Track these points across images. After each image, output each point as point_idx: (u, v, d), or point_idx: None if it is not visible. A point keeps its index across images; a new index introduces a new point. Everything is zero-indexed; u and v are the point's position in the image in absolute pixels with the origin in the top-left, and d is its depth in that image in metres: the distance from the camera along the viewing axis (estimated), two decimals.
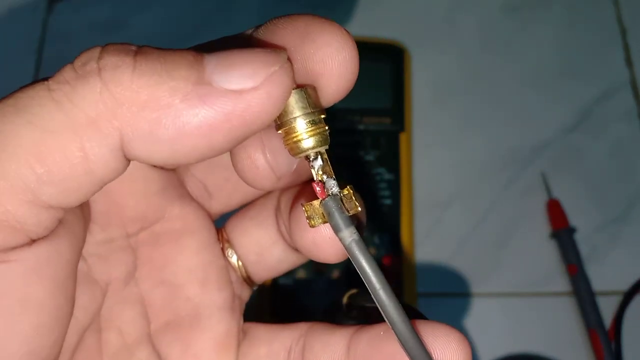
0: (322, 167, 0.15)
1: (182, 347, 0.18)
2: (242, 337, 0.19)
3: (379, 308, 0.15)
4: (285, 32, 0.14)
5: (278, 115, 0.14)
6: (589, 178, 0.42)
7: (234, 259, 0.20)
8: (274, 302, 0.37)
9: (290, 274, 0.37)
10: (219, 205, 0.20)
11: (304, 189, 0.18)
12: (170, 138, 0.13)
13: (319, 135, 0.15)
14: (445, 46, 0.46)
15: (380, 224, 0.39)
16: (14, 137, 0.12)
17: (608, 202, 0.41)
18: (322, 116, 0.15)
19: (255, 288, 0.21)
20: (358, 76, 0.15)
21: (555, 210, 0.40)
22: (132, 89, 0.12)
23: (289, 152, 0.15)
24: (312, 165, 0.15)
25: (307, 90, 0.14)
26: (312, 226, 0.15)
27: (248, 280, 0.20)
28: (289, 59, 0.13)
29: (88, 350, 0.17)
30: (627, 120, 0.44)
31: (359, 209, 0.15)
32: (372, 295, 0.15)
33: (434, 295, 0.39)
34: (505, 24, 0.47)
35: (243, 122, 0.13)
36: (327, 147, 0.15)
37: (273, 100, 0.13)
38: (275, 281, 0.37)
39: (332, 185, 0.15)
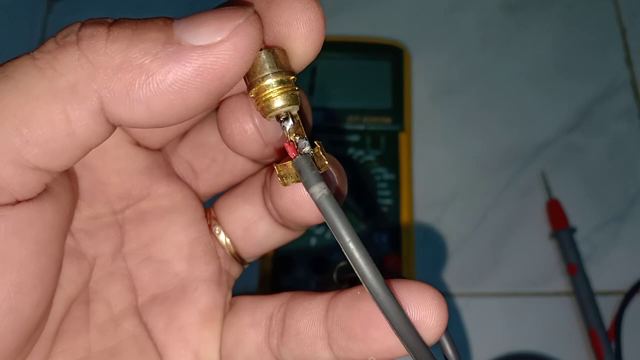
0: (294, 127, 0.15)
1: (168, 319, 0.19)
2: (228, 310, 0.20)
3: (350, 262, 0.15)
4: None
5: (248, 74, 0.15)
6: (589, 177, 0.42)
7: (221, 236, 0.20)
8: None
9: (289, 272, 0.37)
10: (205, 186, 0.21)
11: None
12: (146, 97, 0.13)
13: (288, 94, 0.15)
14: (445, 45, 0.46)
15: (381, 224, 0.39)
16: (0, 102, 0.13)
17: (608, 201, 0.41)
18: (292, 77, 0.15)
19: (246, 266, 0.21)
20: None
21: (555, 211, 0.40)
22: (107, 53, 0.13)
23: (261, 113, 0.15)
24: (283, 126, 0.15)
25: (275, 51, 0.15)
26: (285, 184, 0.16)
27: (236, 256, 0.20)
28: (255, 12, 0.14)
29: (76, 320, 0.18)
30: (627, 120, 0.44)
31: (327, 163, 0.16)
32: (343, 250, 0.15)
33: None
34: (505, 23, 0.47)
35: (214, 75, 0.13)
36: (297, 107, 0.15)
37: (241, 52, 0.13)
38: (276, 280, 0.37)
39: (304, 145, 0.15)
